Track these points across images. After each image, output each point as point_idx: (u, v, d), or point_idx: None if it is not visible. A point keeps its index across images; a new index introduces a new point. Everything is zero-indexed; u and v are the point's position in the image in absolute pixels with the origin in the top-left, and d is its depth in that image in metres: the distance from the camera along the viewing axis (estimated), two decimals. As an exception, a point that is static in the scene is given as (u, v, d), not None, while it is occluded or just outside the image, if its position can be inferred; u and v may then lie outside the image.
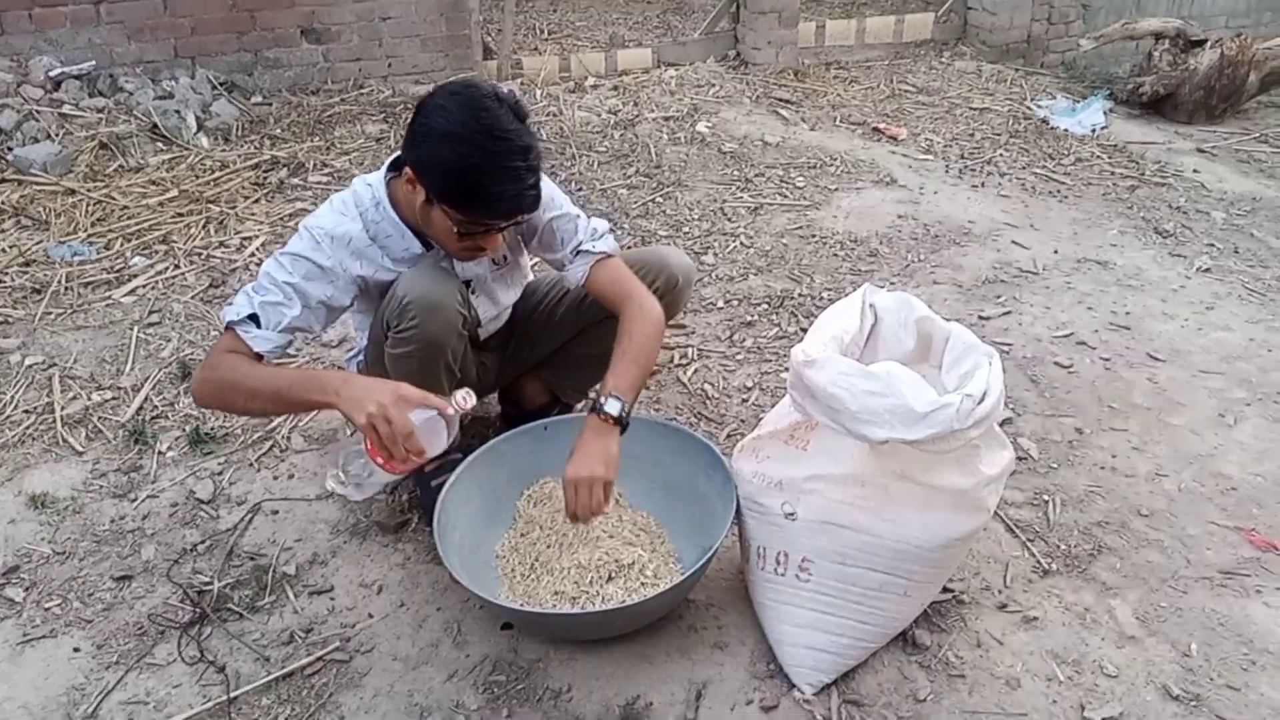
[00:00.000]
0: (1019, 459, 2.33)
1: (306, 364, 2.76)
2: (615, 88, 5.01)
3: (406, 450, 1.63)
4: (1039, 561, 2.08)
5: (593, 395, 1.95)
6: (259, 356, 1.79)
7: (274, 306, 1.80)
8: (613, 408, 1.83)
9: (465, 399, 1.68)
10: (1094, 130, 4.64)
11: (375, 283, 1.93)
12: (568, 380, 2.39)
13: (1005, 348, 2.80)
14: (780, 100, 4.92)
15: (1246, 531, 2.16)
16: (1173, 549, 2.12)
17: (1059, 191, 3.98)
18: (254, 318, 1.79)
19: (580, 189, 3.89)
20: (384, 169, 1.93)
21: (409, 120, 1.80)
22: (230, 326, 1.79)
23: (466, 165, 1.71)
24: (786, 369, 2.69)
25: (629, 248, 3.17)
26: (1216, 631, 1.91)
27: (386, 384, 1.67)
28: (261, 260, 3.29)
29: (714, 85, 5.05)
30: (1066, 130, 4.63)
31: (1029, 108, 4.87)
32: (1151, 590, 2.02)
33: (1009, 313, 3.05)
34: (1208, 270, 3.33)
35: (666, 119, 4.60)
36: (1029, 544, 2.13)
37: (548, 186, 1.98)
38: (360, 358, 2.12)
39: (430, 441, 1.67)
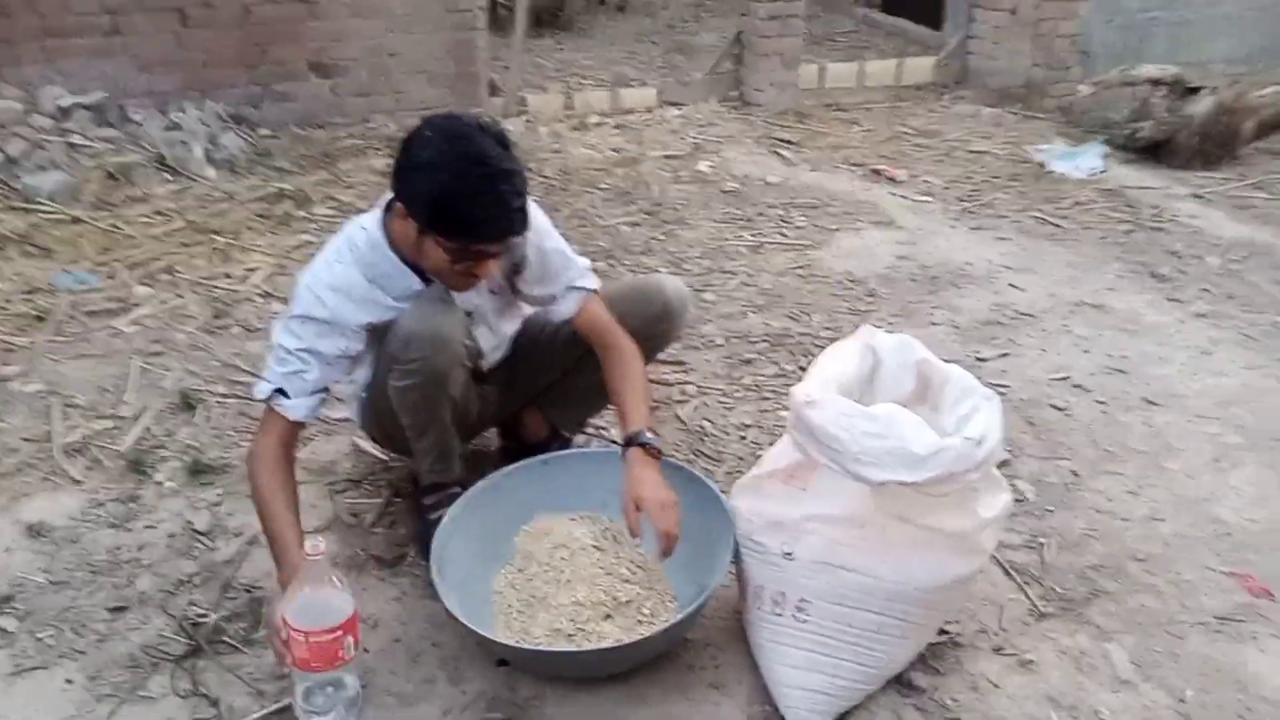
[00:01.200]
0: (1016, 500, 2.33)
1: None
2: (619, 126, 5.07)
3: (291, 640, 1.64)
4: (1035, 604, 2.08)
5: (633, 429, 1.98)
6: (299, 424, 1.93)
7: (295, 375, 1.90)
8: (654, 440, 1.96)
9: (315, 546, 1.66)
10: (1091, 175, 4.68)
11: (382, 325, 1.95)
12: (568, 413, 2.41)
13: (1002, 390, 2.81)
14: (782, 141, 4.97)
15: (1242, 577, 2.16)
16: (1169, 594, 2.12)
17: (1056, 235, 4.02)
18: (281, 389, 1.89)
19: (583, 226, 3.92)
20: (380, 208, 1.96)
21: (395, 157, 1.83)
22: (268, 405, 1.91)
23: (450, 192, 1.75)
24: (785, 407, 2.70)
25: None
26: (1212, 678, 1.91)
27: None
28: (265, 292, 3.33)
29: (716, 125, 5.11)
30: (1064, 174, 4.67)
31: (1027, 151, 4.92)
32: (1148, 635, 2.01)
33: (1006, 354, 3.07)
34: (1204, 315, 3.35)
35: (669, 158, 4.64)
36: (1025, 586, 2.13)
37: (540, 218, 2.01)
38: (363, 394, 2.13)
39: (321, 611, 1.65)
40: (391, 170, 1.85)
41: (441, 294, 1.98)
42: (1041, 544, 2.25)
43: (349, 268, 1.93)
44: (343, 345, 1.94)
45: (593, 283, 2.14)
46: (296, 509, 1.89)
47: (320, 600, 1.65)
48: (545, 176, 4.32)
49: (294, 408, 1.91)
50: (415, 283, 1.96)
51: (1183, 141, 4.85)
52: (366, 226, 1.96)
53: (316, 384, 1.93)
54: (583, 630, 1.87)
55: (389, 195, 1.92)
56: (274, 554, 1.86)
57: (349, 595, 1.69)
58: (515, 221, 1.82)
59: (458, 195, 1.76)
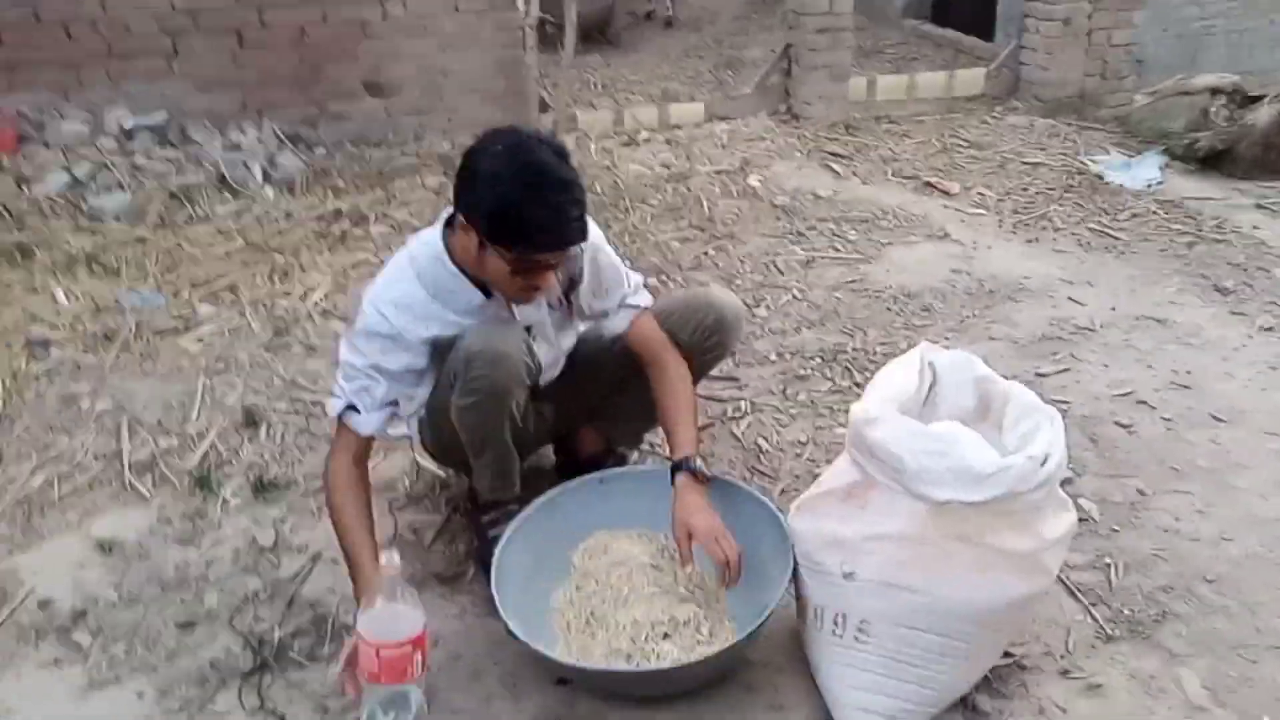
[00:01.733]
0: (1080, 520, 2.29)
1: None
2: (668, 141, 5.08)
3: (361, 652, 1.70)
4: (1102, 627, 2.04)
5: (680, 455, 2.03)
6: (370, 439, 1.98)
7: (363, 391, 1.96)
8: (701, 466, 2.01)
9: (390, 560, 1.70)
10: (1150, 186, 4.60)
11: (445, 340, 1.98)
12: (623, 429, 2.42)
13: (1063, 406, 2.77)
14: (832, 154, 4.95)
15: (1317, 600, 2.11)
16: (1240, 616, 2.07)
17: (1115, 247, 3.95)
18: (352, 405, 1.95)
19: (633, 241, 3.94)
20: (440, 223, 1.99)
21: (456, 171, 1.88)
22: (340, 421, 1.97)
23: (510, 201, 1.79)
24: (841, 424, 2.69)
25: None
26: (1289, 704, 1.86)
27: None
28: (324, 310, 3.38)
29: (765, 139, 5.10)
30: (1122, 185, 4.60)
31: (1083, 162, 4.85)
32: (1219, 659, 1.97)
33: (1066, 370, 3.03)
34: (1269, 329, 3.27)
35: (718, 172, 4.64)
36: (1091, 608, 2.09)
37: (595, 232, 2.03)
38: (422, 411, 2.16)
39: (392, 624, 1.69)
40: (454, 182, 1.89)
41: (503, 312, 2.01)
42: (1108, 564, 2.21)
43: (411, 283, 1.96)
44: (407, 360, 1.97)
45: (645, 300, 2.18)
46: (370, 526, 1.94)
47: (392, 614, 1.68)
48: (596, 192, 4.34)
49: (364, 423, 1.96)
50: (477, 296, 1.98)
51: (1244, 151, 4.75)
52: (428, 241, 2.00)
53: (385, 398, 1.97)
54: (641, 649, 1.88)
55: (449, 210, 1.95)
56: (349, 572, 1.91)
57: (420, 611, 1.71)
58: (574, 231, 1.85)
59: (516, 206, 1.79)
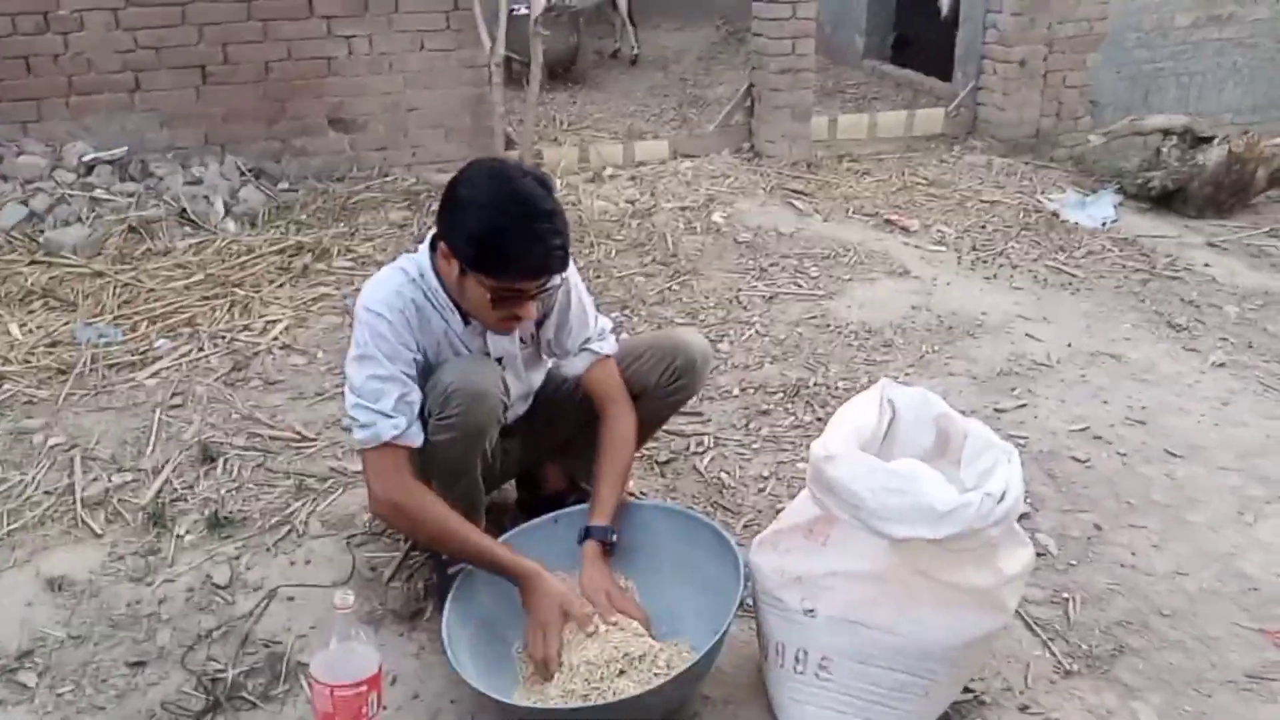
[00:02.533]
0: (1038, 554, 2.31)
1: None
2: (633, 178, 5.12)
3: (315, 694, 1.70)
4: (1060, 661, 2.06)
5: (595, 521, 2.06)
6: (420, 449, 1.94)
7: (402, 401, 1.91)
8: (612, 537, 2.05)
9: (344, 599, 1.68)
10: (1104, 224, 4.70)
11: (424, 346, 1.98)
12: (586, 465, 2.40)
13: (1021, 441, 2.80)
14: (794, 191, 5.01)
15: (1270, 633, 2.13)
16: (1195, 650, 2.10)
17: (1071, 284, 4.02)
18: (388, 415, 1.89)
19: (598, 276, 3.95)
20: (426, 244, 1.99)
21: (441, 197, 1.89)
22: (384, 446, 1.90)
23: (492, 229, 1.80)
24: (803, 459, 2.70)
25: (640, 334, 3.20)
26: (1243, 737, 1.88)
27: None
28: (285, 344, 3.35)
29: (729, 176, 5.16)
30: (1077, 223, 4.69)
31: (1039, 201, 4.95)
32: (1175, 693, 1.98)
33: (1024, 405, 3.06)
34: (1222, 365, 3.34)
35: (683, 209, 4.68)
36: (1049, 643, 2.10)
37: (572, 270, 2.04)
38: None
39: (346, 666, 1.67)
40: (437, 209, 1.90)
41: (476, 340, 2.03)
42: (1065, 599, 2.23)
43: (401, 286, 1.96)
44: (409, 356, 1.94)
45: (609, 347, 2.20)
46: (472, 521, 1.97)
47: (346, 654, 1.65)
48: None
49: (415, 435, 1.93)
50: (458, 320, 1.99)
51: (1195, 190, 4.87)
52: (414, 259, 2.01)
53: (417, 400, 1.94)
54: (597, 689, 1.85)
55: (432, 233, 1.96)
56: (493, 569, 1.92)
57: (374, 650, 1.69)
58: (556, 260, 1.86)
59: (499, 234, 1.80)
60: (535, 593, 1.90)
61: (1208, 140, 4.95)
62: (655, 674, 1.87)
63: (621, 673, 1.87)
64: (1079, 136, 5.68)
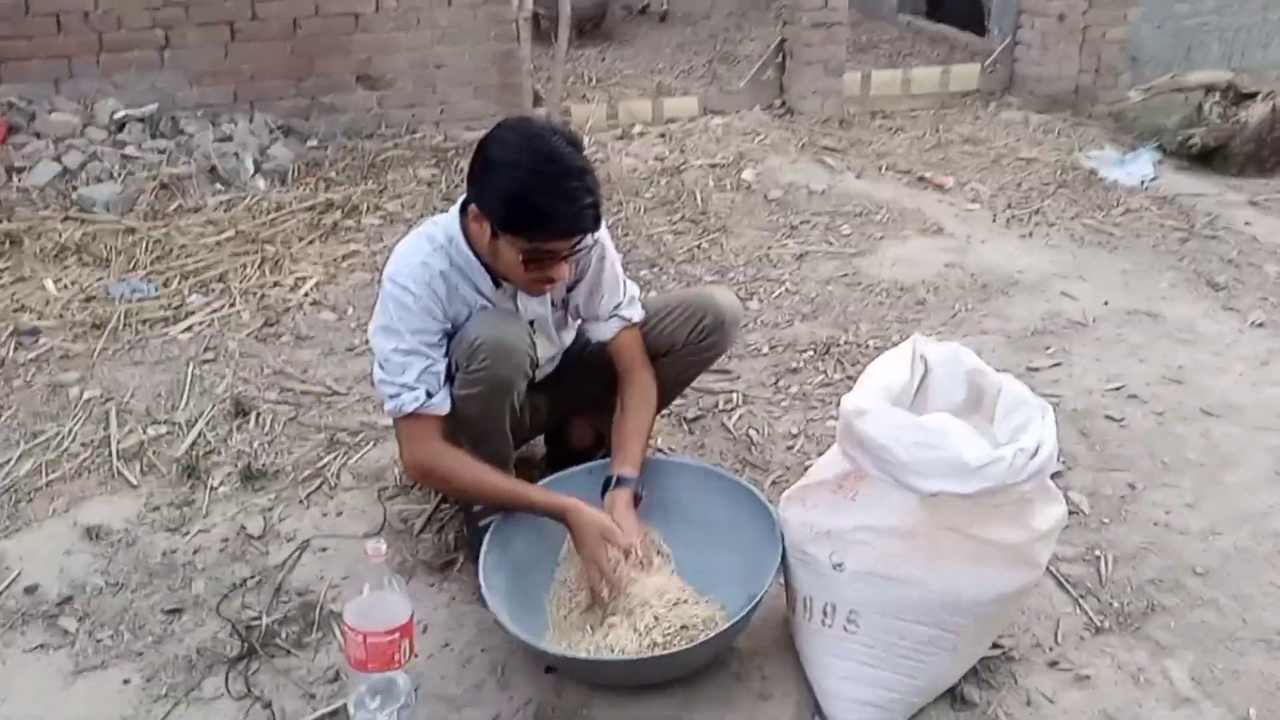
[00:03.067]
0: (1070, 513, 2.29)
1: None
2: (662, 135, 5.07)
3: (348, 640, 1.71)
4: (1091, 619, 2.04)
5: (619, 471, 2.06)
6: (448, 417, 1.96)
7: (427, 373, 1.93)
8: (638, 488, 2.05)
9: (376, 548, 1.69)
10: (1143, 182, 4.61)
11: (452, 315, 1.97)
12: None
13: (1055, 400, 2.77)
14: (826, 149, 4.95)
15: (1306, 593, 2.11)
16: (1228, 609, 2.08)
17: (1108, 242, 3.96)
18: (410, 387, 1.91)
19: (626, 234, 3.93)
20: (456, 207, 1.98)
21: (470, 158, 1.87)
22: (411, 415, 1.92)
23: (523, 190, 1.78)
24: (833, 416, 2.68)
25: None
26: (1276, 695, 1.86)
27: None
28: (315, 300, 3.37)
29: (759, 133, 5.09)
30: (1115, 181, 4.60)
31: (1077, 158, 4.85)
32: (1207, 651, 1.97)
33: (1059, 364, 3.03)
34: (1262, 325, 3.28)
35: (712, 166, 4.64)
36: (1080, 600, 2.09)
37: (602, 230, 2.02)
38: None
39: (379, 613, 1.68)
40: (467, 172, 1.89)
41: (507, 303, 2.02)
42: (1098, 557, 2.21)
43: (428, 256, 1.95)
44: (438, 325, 1.95)
45: (637, 314, 2.19)
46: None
47: (379, 602, 1.67)
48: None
49: (440, 404, 1.94)
50: (488, 284, 1.98)
51: (1237, 148, 4.76)
52: (444, 224, 2.00)
53: (442, 371, 1.95)
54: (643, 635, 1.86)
55: (463, 197, 1.95)
56: (530, 509, 1.97)
57: (406, 599, 1.71)
58: (587, 219, 1.84)
59: (529, 194, 1.78)
60: (575, 526, 1.92)
61: (1251, 96, 4.82)
62: (685, 626, 1.87)
63: (655, 621, 1.87)
64: (1118, 93, 5.55)
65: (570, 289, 2.12)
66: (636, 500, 2.03)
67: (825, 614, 1.81)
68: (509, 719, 1.81)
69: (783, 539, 1.87)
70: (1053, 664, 1.93)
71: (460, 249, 1.96)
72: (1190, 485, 2.47)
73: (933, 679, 1.79)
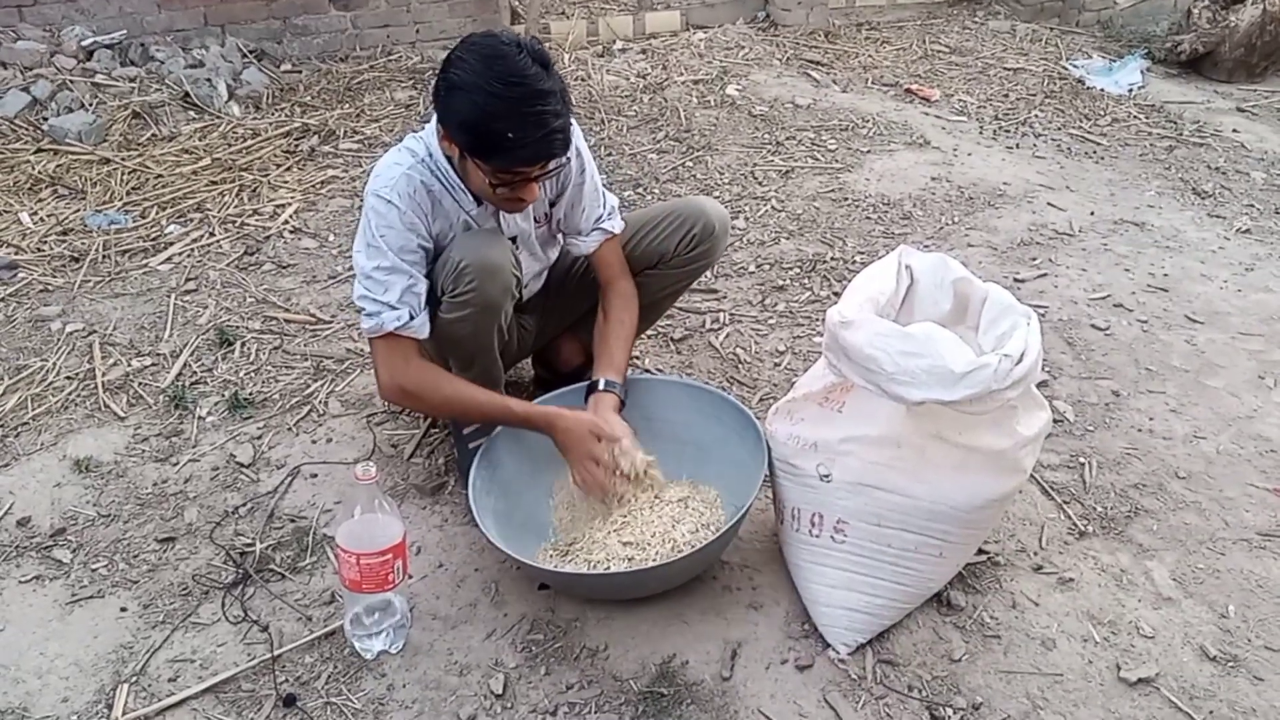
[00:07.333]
0: (1055, 421, 2.32)
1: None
2: (644, 51, 4.98)
3: (342, 562, 1.72)
4: (1075, 523, 2.07)
5: (602, 375, 2.06)
6: (436, 327, 1.94)
7: (409, 292, 1.89)
8: (621, 390, 2.04)
9: (366, 470, 1.69)
10: (1131, 90, 4.56)
11: (436, 232, 1.95)
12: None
13: (1041, 310, 2.78)
14: (811, 62, 4.87)
15: (1286, 493, 2.15)
16: (1210, 511, 2.11)
17: (1095, 152, 3.92)
18: (392, 306, 1.88)
19: (609, 154, 3.88)
20: (433, 123, 1.92)
21: (434, 80, 1.81)
22: (389, 336, 1.89)
23: (485, 114, 1.72)
24: (819, 333, 2.68)
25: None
26: (1255, 593, 1.90)
27: None
28: (295, 227, 3.32)
29: (743, 48, 5.00)
30: (1103, 90, 4.55)
31: (1064, 67, 4.79)
32: (1189, 552, 2.01)
33: (1045, 275, 3.02)
34: (1247, 231, 3.28)
35: (696, 82, 4.56)
36: (1065, 506, 2.12)
37: (580, 144, 1.99)
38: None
39: (371, 534, 1.69)
40: (432, 94, 1.83)
41: (489, 220, 1.99)
42: (1082, 463, 2.24)
43: (410, 169, 1.91)
44: (418, 243, 1.91)
45: (618, 225, 2.17)
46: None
47: (371, 524, 1.68)
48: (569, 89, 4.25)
49: (420, 327, 1.91)
50: (469, 200, 1.95)
51: (1226, 53, 4.70)
52: (423, 137, 1.95)
53: (426, 293, 1.92)
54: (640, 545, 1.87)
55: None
56: (512, 422, 1.96)
57: (398, 520, 1.72)
58: (554, 144, 1.78)
59: (492, 119, 1.72)
60: (562, 431, 1.92)
61: (1241, 0, 4.75)
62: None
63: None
64: (1106, 0, 5.46)
65: (553, 204, 2.09)
66: (620, 406, 2.03)
67: (813, 524, 1.83)
68: (503, 636, 1.83)
69: (769, 451, 1.88)
70: (1037, 568, 1.96)
71: (440, 164, 1.92)
72: (1174, 391, 2.49)
73: (920, 584, 1.82)
